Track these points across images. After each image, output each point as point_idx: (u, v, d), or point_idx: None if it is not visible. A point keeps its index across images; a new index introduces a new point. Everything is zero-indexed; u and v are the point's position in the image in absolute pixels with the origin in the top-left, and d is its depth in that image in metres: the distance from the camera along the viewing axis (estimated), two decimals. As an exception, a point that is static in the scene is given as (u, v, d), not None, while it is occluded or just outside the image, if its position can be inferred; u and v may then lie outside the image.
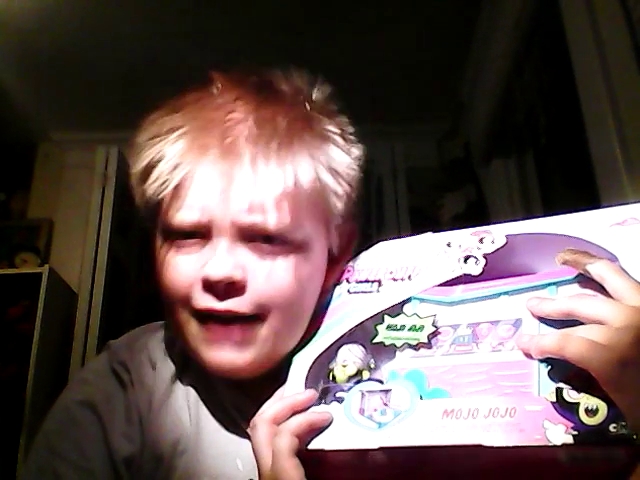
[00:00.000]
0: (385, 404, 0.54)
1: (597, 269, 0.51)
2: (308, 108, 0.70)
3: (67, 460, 0.68)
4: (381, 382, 0.56)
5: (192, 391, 0.72)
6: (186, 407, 0.71)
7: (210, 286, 0.63)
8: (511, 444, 0.47)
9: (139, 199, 0.71)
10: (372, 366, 0.57)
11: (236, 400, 0.71)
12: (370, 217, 3.06)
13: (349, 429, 0.54)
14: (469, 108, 2.81)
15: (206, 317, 0.64)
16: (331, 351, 0.60)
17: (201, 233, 0.65)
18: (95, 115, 2.83)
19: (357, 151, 0.72)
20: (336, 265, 0.69)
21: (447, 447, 0.49)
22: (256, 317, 0.64)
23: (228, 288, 0.62)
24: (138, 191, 0.70)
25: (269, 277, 0.63)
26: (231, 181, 0.63)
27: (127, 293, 2.93)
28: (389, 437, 0.52)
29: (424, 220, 2.79)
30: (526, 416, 0.48)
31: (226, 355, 0.64)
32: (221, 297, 0.63)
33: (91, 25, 2.40)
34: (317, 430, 0.55)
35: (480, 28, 2.45)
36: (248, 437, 0.62)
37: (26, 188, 3.01)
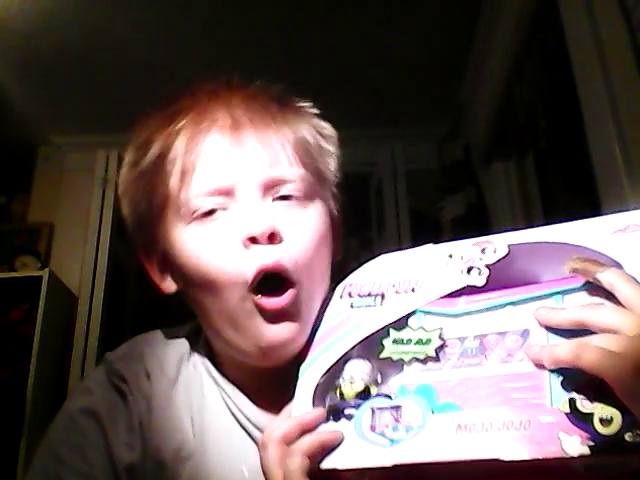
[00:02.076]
0: (396, 420, 0.53)
1: (608, 277, 0.51)
2: (277, 95, 0.76)
3: (71, 467, 0.69)
4: (390, 398, 0.55)
5: (196, 399, 0.72)
6: (188, 414, 0.71)
7: (254, 243, 0.64)
8: (528, 457, 0.47)
9: (141, 198, 0.72)
10: (379, 381, 0.56)
11: (243, 407, 0.70)
12: (370, 219, 3.06)
13: (361, 447, 0.53)
14: (469, 110, 2.81)
15: (257, 289, 0.64)
16: (337, 367, 0.59)
17: (223, 203, 0.67)
18: (95, 118, 2.83)
19: (331, 129, 0.78)
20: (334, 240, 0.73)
21: (462, 462, 0.49)
22: (291, 280, 0.65)
23: (271, 239, 0.64)
24: (140, 189, 0.72)
25: (297, 228, 0.67)
26: (243, 145, 0.68)
27: (127, 296, 2.93)
28: (403, 454, 0.51)
29: (424, 222, 2.79)
30: (541, 428, 0.47)
31: (285, 330, 0.64)
32: (267, 252, 0.64)
33: (91, 28, 2.40)
34: (328, 449, 0.55)
35: (480, 30, 2.46)
36: (254, 444, 0.64)
37: (26, 191, 3.01)
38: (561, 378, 0.49)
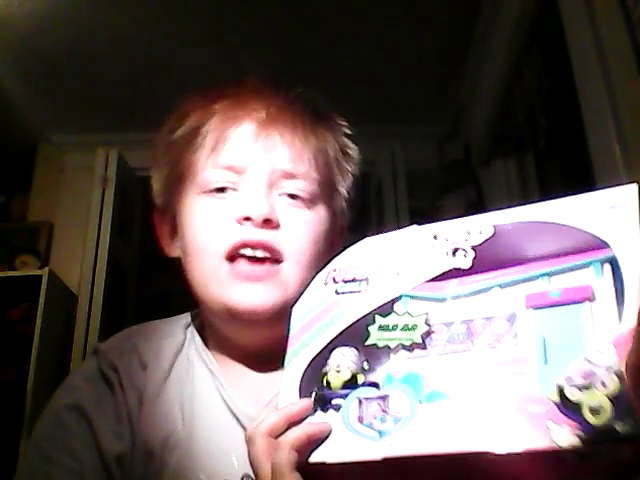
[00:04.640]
0: (384, 411, 0.52)
1: None
2: (316, 107, 0.82)
3: (58, 463, 0.68)
4: (377, 386, 0.54)
5: (187, 389, 0.73)
6: (178, 405, 0.71)
7: (248, 221, 0.70)
8: (519, 450, 0.46)
9: (167, 163, 0.79)
10: (366, 368, 0.55)
11: (232, 398, 0.71)
12: (370, 218, 3.06)
13: (349, 439, 0.52)
14: (469, 110, 2.81)
15: (237, 257, 0.71)
16: (323, 355, 0.58)
17: (234, 182, 0.73)
18: (95, 117, 2.83)
19: (356, 150, 0.83)
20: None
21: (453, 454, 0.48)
22: (278, 261, 0.71)
23: (264, 225, 0.70)
24: (168, 155, 0.79)
25: (295, 223, 0.72)
26: (267, 137, 0.74)
27: (127, 295, 2.93)
28: (392, 446, 0.50)
29: (424, 222, 2.79)
30: (530, 418, 0.47)
31: (255, 293, 0.70)
32: (257, 231, 0.70)
33: (91, 27, 2.40)
34: (316, 442, 0.54)
35: (480, 30, 2.46)
36: (243, 434, 0.65)
37: (26, 190, 3.01)
38: (549, 365, 0.48)
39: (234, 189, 0.73)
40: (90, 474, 0.67)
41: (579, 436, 0.45)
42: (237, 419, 0.70)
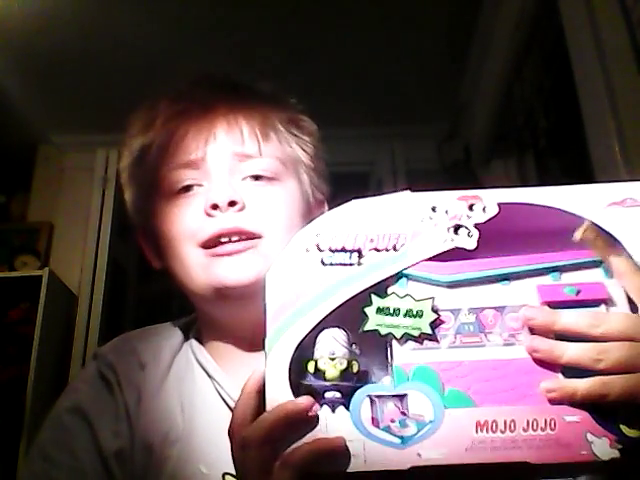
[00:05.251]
0: (403, 413, 0.47)
1: (620, 265, 0.48)
2: (252, 88, 0.83)
3: (59, 464, 0.69)
4: (385, 383, 0.48)
5: (186, 387, 0.73)
6: (178, 402, 0.72)
7: (216, 210, 0.71)
8: (560, 461, 0.44)
9: (134, 183, 0.81)
10: (364, 357, 0.49)
11: (233, 391, 0.72)
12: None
13: (366, 446, 0.46)
14: (469, 110, 2.81)
15: (213, 244, 0.71)
16: (310, 338, 0.49)
17: (196, 178, 0.74)
18: (95, 118, 2.83)
19: (308, 121, 0.83)
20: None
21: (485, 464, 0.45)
22: (255, 237, 0.72)
23: (231, 207, 0.71)
24: (133, 176, 0.81)
25: (263, 201, 0.73)
26: (214, 125, 0.75)
27: (127, 295, 2.93)
28: (420, 456, 0.45)
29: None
30: (567, 428, 0.44)
31: (237, 265, 0.70)
32: (228, 219, 0.71)
33: (91, 28, 2.40)
34: (326, 458, 0.46)
35: (480, 30, 2.45)
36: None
37: (26, 191, 3.00)
38: (577, 370, 0.45)
39: (199, 184, 0.74)
40: (88, 470, 0.69)
41: (619, 449, 0.43)
42: None
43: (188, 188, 0.74)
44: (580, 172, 1.65)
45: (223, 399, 0.72)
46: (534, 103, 2.11)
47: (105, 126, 2.86)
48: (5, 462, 2.23)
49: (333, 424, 0.47)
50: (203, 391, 0.73)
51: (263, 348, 0.50)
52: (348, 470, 0.46)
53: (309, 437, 0.47)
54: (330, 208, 0.55)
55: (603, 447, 0.43)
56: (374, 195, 0.56)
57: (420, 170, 2.94)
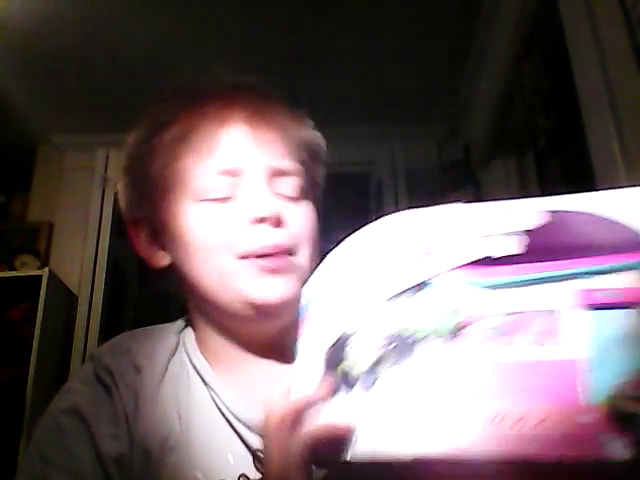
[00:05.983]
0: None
1: None
2: (280, 103, 0.82)
3: (57, 466, 0.69)
4: (407, 378, 0.49)
5: (182, 391, 0.73)
6: (175, 407, 0.71)
7: (261, 223, 0.71)
8: (569, 458, 0.43)
9: (147, 172, 0.77)
10: (393, 355, 0.50)
11: (228, 399, 0.71)
12: (370, 219, 3.06)
13: (379, 434, 0.47)
14: (469, 109, 2.81)
15: (253, 257, 0.71)
16: (345, 337, 0.52)
17: (231, 186, 0.73)
18: (95, 117, 2.83)
19: (322, 140, 0.84)
20: None
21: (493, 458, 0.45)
22: (291, 254, 0.72)
23: (277, 223, 0.71)
24: (148, 165, 0.77)
25: (296, 218, 0.74)
26: (256, 137, 0.74)
27: (127, 295, 2.93)
28: (427, 446, 0.46)
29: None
30: (579, 428, 0.44)
31: (277, 285, 0.70)
32: (269, 234, 0.71)
33: (91, 27, 2.40)
34: (335, 442, 0.48)
35: (480, 30, 2.46)
36: (238, 435, 0.68)
37: (26, 190, 3.01)
38: (599, 372, 0.45)
39: (234, 193, 0.73)
40: (88, 474, 0.68)
41: (634, 450, 0.42)
42: (231, 425, 0.70)
43: (223, 199, 0.73)
44: (580, 172, 1.65)
45: (218, 407, 0.72)
46: (534, 103, 2.11)
47: (105, 126, 2.86)
48: (5, 462, 2.24)
49: (351, 405, 0.49)
50: (199, 399, 0.73)
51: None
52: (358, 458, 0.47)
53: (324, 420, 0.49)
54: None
55: (617, 447, 0.43)
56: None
57: (420, 170, 2.94)
